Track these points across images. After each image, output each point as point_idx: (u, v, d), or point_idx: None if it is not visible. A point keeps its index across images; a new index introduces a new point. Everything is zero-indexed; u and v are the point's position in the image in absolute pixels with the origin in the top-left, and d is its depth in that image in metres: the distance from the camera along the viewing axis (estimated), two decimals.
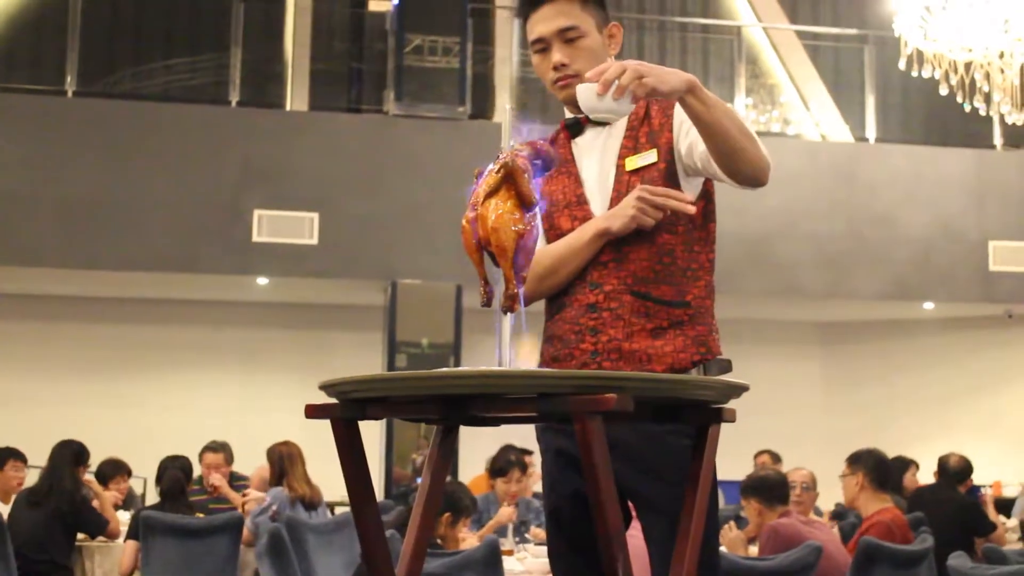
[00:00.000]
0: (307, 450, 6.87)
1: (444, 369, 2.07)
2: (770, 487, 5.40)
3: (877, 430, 12.35)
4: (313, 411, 2.21)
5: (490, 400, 2.06)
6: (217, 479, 7.45)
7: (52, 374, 12.10)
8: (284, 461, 6.78)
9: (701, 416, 2.24)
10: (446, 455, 2.35)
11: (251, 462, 8.09)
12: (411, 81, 11.11)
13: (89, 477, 7.02)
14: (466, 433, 2.97)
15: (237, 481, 7.68)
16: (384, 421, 10.10)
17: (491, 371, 2.00)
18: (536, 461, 9.03)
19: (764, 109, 12.97)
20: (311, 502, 6.70)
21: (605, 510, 2.00)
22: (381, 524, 2.30)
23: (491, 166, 2.24)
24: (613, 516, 2.01)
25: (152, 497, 8.31)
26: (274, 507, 6.57)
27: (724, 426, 2.28)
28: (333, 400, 2.20)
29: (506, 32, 12.29)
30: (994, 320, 12.67)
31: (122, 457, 7.98)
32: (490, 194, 2.23)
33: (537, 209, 2.23)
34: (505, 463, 6.75)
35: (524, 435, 3.09)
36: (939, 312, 12.65)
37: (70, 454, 6.70)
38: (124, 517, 7.06)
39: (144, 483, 9.49)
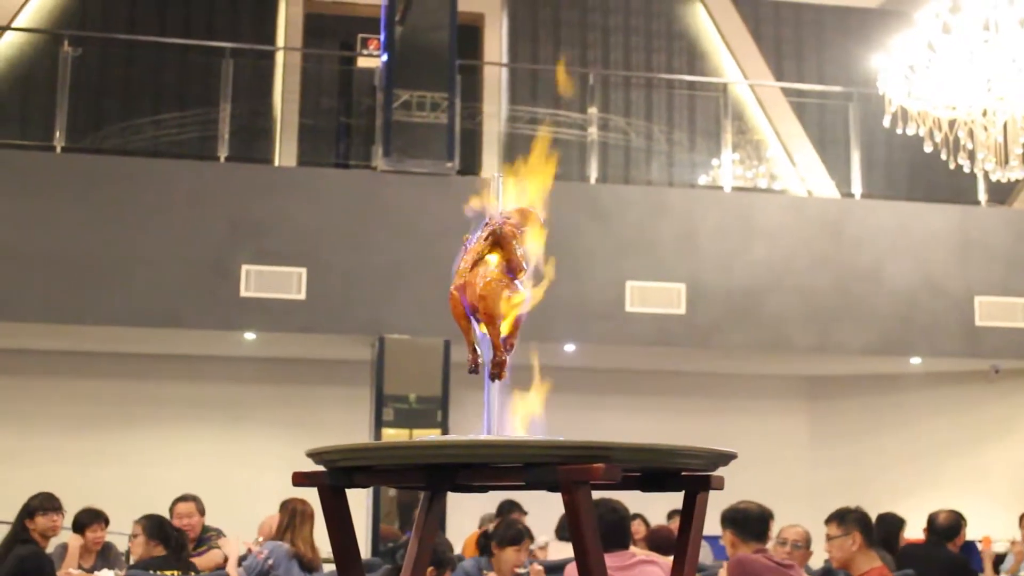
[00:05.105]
0: None
1: (430, 438, 2.07)
2: (747, 520, 5.02)
3: (864, 484, 12.34)
4: (301, 479, 2.21)
5: (476, 469, 2.06)
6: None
7: (36, 430, 12.02)
8: (296, 517, 6.66)
9: (689, 484, 2.24)
10: (434, 520, 2.34)
11: (238, 518, 8.03)
12: (399, 137, 11.12)
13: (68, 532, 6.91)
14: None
15: (207, 533, 7.63)
16: None
17: (477, 441, 1.99)
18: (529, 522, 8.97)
19: (750, 165, 13.04)
20: (310, 565, 6.56)
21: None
22: None
23: (479, 232, 2.26)
24: None
25: None
26: (270, 561, 6.47)
27: None
28: (320, 467, 2.20)
29: (494, 88, 12.36)
30: (980, 375, 12.69)
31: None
32: (478, 261, 2.24)
33: (526, 275, 2.24)
34: (516, 533, 6.47)
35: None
36: (925, 367, 12.66)
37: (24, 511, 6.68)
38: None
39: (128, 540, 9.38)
